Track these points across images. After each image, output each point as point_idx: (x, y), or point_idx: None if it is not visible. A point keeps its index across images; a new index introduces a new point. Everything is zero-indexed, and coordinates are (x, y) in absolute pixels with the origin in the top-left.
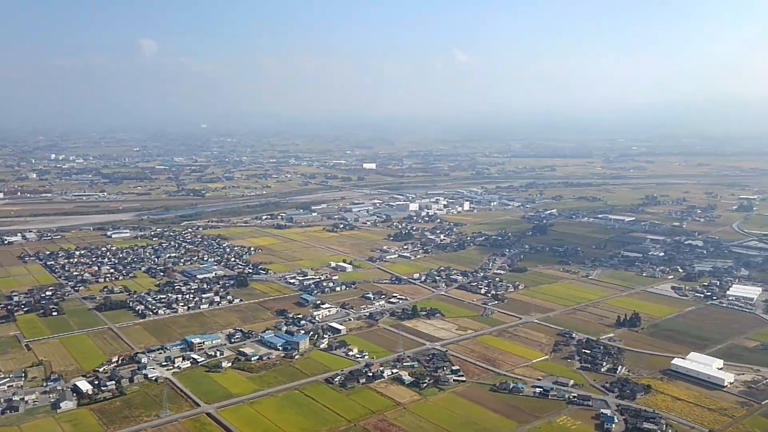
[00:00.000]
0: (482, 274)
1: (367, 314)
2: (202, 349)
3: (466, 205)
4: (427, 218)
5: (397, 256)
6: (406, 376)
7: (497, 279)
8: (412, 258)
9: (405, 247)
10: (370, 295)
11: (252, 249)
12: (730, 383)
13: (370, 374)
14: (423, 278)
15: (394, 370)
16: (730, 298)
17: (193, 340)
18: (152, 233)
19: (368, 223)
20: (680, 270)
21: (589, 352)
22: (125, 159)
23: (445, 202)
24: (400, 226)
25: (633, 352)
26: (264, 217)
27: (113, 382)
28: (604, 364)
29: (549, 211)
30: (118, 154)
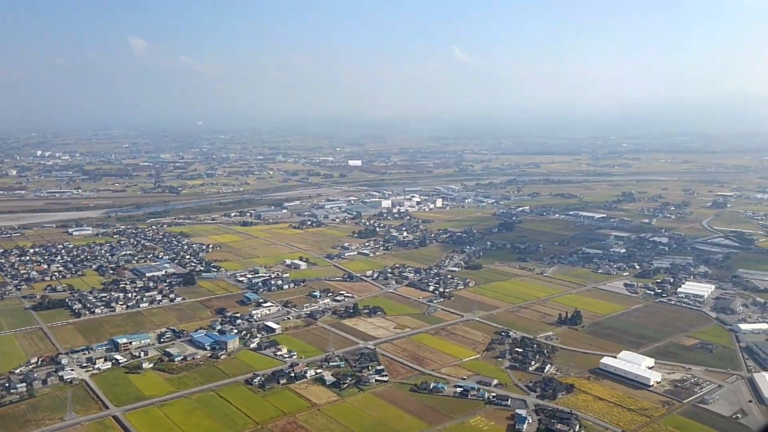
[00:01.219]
0: (435, 271)
1: (308, 313)
2: (128, 349)
3: (439, 202)
4: (397, 215)
5: (356, 253)
6: (328, 377)
7: (449, 276)
8: (371, 255)
9: (367, 244)
10: (317, 293)
11: (210, 246)
12: (657, 382)
13: (292, 375)
14: (375, 276)
15: (318, 371)
16: (680, 295)
17: (119, 341)
18: (114, 231)
19: (337, 220)
20: (637, 267)
21: (521, 350)
22: (111, 156)
23: (418, 199)
24: (367, 223)
25: (567, 351)
26: (233, 215)
27: (24, 384)
28: (533, 363)
29: (521, 208)
30: (107, 150)
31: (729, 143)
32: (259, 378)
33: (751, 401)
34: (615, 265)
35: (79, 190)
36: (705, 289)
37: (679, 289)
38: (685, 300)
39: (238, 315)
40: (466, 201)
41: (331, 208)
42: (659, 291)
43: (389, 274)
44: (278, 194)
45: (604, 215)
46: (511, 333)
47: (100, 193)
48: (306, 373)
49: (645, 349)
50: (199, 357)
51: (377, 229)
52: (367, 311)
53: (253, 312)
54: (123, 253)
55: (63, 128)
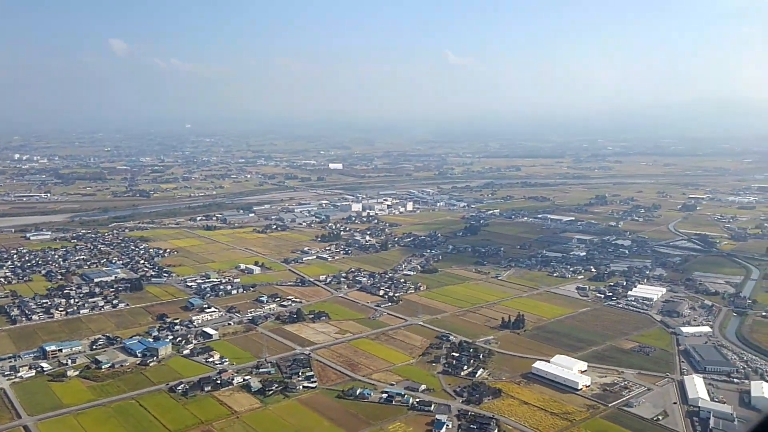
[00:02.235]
0: (390, 275)
1: (250, 318)
2: (57, 357)
3: (410, 206)
4: (365, 219)
5: (315, 257)
6: (255, 383)
7: (402, 280)
8: (330, 259)
9: (328, 248)
10: (264, 298)
11: (167, 251)
12: (586, 386)
13: (219, 382)
14: (329, 280)
15: (247, 377)
16: (630, 298)
17: (48, 348)
18: (72, 236)
19: (303, 224)
20: (593, 270)
21: (456, 355)
22: (90, 159)
23: (389, 203)
24: (333, 228)
25: (504, 355)
26: (198, 219)
27: None
28: (465, 368)
29: (490, 212)
30: (87, 154)
31: (714, 146)
32: (183, 385)
33: (675, 403)
34: (571, 269)
35: (48, 195)
36: (655, 293)
37: (629, 293)
38: (634, 303)
39: (177, 321)
40: (438, 204)
41: (300, 212)
42: (610, 294)
43: (342, 279)
44: (251, 198)
45: (573, 218)
46: (450, 337)
47: (69, 197)
48: (233, 379)
49: (583, 353)
50: (127, 364)
51: (342, 233)
52: (311, 316)
53: (194, 318)
54: (76, 258)
55: (48, 131)
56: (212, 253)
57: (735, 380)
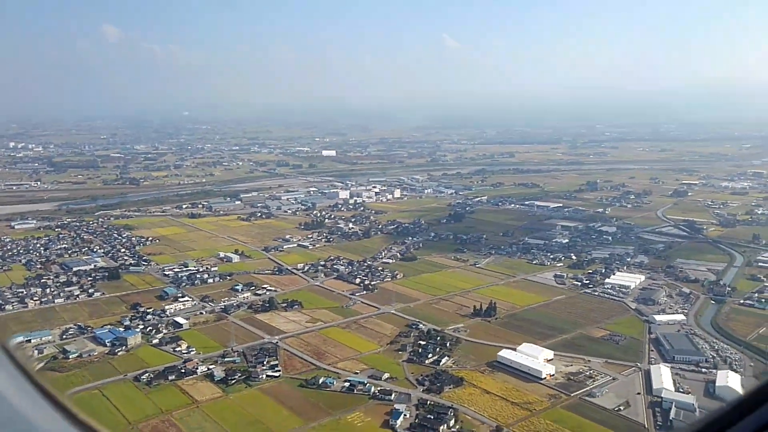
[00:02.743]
0: (368, 263)
1: (222, 307)
2: (24, 348)
3: (397, 193)
4: (352, 206)
5: (296, 245)
6: (218, 372)
7: (380, 268)
8: (311, 247)
9: (309, 236)
10: (239, 287)
11: (150, 239)
12: (550, 375)
13: (183, 371)
14: (306, 268)
15: (212, 366)
16: (607, 286)
17: (16, 339)
18: (57, 224)
19: (289, 211)
20: (573, 257)
21: (423, 343)
22: (85, 147)
23: (377, 190)
24: (318, 215)
25: (472, 343)
26: (185, 206)
27: None
28: (430, 356)
29: (478, 199)
30: (83, 141)
31: (714, 131)
32: (147, 375)
33: (639, 393)
34: (551, 256)
35: (38, 183)
36: (633, 280)
37: (606, 280)
38: (610, 291)
39: (150, 310)
40: (426, 191)
41: (287, 199)
42: (587, 282)
43: (321, 267)
44: (240, 185)
45: (560, 204)
46: (420, 325)
47: (60, 185)
48: (197, 369)
49: (552, 341)
50: (96, 354)
51: (326, 220)
52: (284, 305)
53: (167, 307)
54: (58, 247)
55: (46, 119)
56: (194, 241)
57: (703, 370)
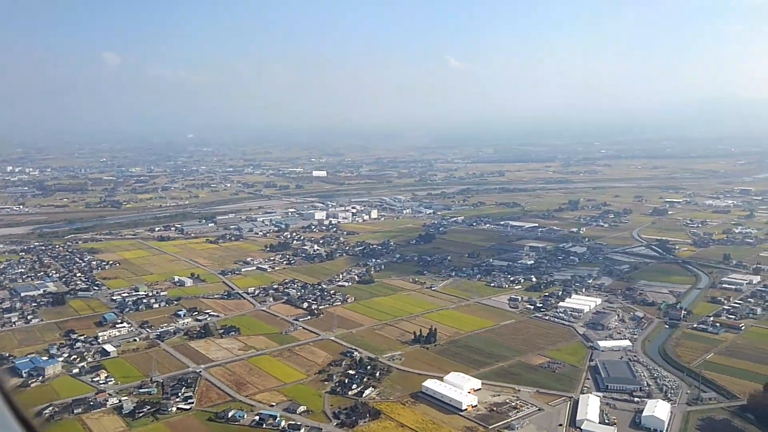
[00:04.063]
0: (322, 286)
1: (157, 334)
2: None
3: (374, 213)
4: (325, 227)
5: (255, 268)
6: (127, 405)
7: (333, 292)
8: (269, 270)
9: (272, 258)
10: (182, 312)
11: (110, 263)
12: (471, 406)
13: (92, 403)
14: (257, 292)
15: (124, 398)
16: (559, 310)
17: None
18: (23, 248)
19: (260, 233)
20: (533, 279)
21: (351, 373)
22: (81, 170)
23: (354, 210)
24: (288, 236)
25: (403, 372)
26: (157, 229)
27: None
28: (354, 386)
29: (453, 219)
30: (82, 165)
31: (711, 148)
32: (52, 408)
33: (561, 425)
34: (511, 278)
35: (21, 207)
36: (588, 303)
37: (560, 304)
38: (562, 315)
39: (83, 337)
40: (405, 212)
41: (262, 221)
42: (540, 306)
43: (272, 291)
44: (222, 207)
45: (536, 224)
46: (354, 353)
47: (42, 209)
48: (107, 401)
49: (487, 369)
50: (9, 386)
51: (294, 242)
52: (221, 331)
53: (101, 334)
54: (15, 271)
55: (52, 143)
56: (154, 265)
57: (636, 399)
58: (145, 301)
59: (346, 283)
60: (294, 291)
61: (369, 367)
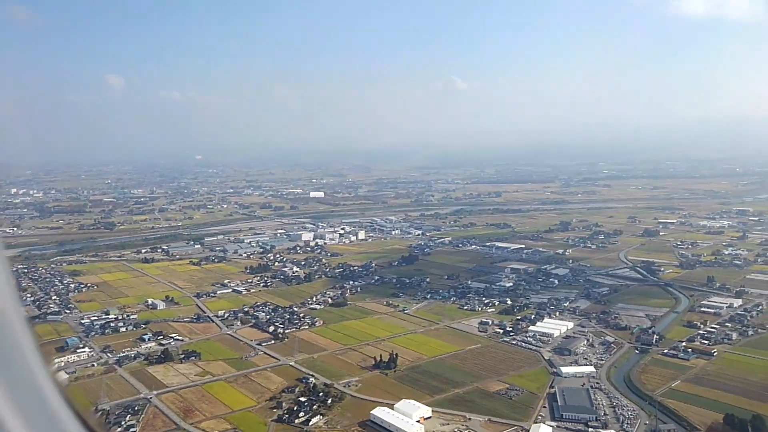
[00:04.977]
0: (292, 309)
1: (116, 359)
2: None
3: (362, 234)
4: (310, 248)
5: (230, 290)
6: None
7: (303, 315)
8: (244, 292)
9: (249, 280)
10: (146, 336)
11: (88, 286)
12: None
13: None
14: (227, 315)
15: None
16: (529, 334)
17: None
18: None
19: (244, 255)
20: (509, 302)
21: (303, 400)
22: (84, 192)
23: (341, 231)
24: (272, 258)
25: (356, 400)
26: (144, 251)
27: None
28: (301, 414)
29: (440, 240)
30: (86, 187)
31: (717, 168)
32: None
33: None
34: (486, 301)
35: (15, 229)
36: (559, 327)
37: (531, 327)
38: (530, 340)
39: None
40: (393, 233)
41: (249, 242)
42: (509, 330)
43: (241, 314)
44: (214, 228)
45: (522, 246)
46: (310, 379)
47: (35, 231)
48: None
49: (442, 396)
50: None
51: (276, 263)
52: (182, 356)
53: (57, 360)
54: None
55: (62, 165)
56: (132, 287)
57: (591, 428)
58: (112, 324)
59: (318, 306)
60: (264, 314)
61: (321, 393)
